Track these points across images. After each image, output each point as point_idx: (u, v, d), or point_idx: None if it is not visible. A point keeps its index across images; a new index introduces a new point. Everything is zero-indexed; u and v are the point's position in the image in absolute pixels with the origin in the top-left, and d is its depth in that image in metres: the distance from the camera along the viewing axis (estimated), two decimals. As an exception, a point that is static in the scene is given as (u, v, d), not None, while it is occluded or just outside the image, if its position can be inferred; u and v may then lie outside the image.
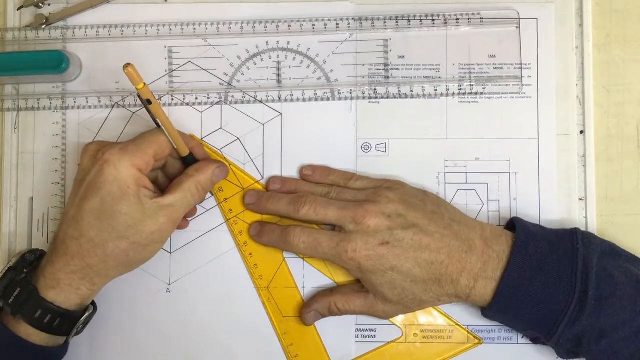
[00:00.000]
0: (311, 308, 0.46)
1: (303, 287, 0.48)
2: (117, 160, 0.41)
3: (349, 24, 0.49)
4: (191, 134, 0.48)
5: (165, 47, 0.49)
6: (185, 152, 0.44)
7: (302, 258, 0.48)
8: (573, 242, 0.43)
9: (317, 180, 0.47)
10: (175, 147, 0.43)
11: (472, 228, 0.44)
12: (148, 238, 0.41)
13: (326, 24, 0.49)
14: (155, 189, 0.43)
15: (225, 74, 0.49)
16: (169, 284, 0.48)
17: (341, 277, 0.48)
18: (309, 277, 0.48)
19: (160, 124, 0.42)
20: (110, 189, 0.40)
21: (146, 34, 0.49)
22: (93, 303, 0.45)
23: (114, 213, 0.40)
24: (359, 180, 0.47)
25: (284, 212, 0.46)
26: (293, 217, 0.45)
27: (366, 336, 0.48)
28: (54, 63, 0.47)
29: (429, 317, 0.48)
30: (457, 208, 0.46)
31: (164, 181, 0.46)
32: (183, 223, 0.47)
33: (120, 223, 0.40)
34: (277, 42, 0.49)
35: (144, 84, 0.40)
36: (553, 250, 0.42)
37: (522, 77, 0.49)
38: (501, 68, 0.49)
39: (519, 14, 0.49)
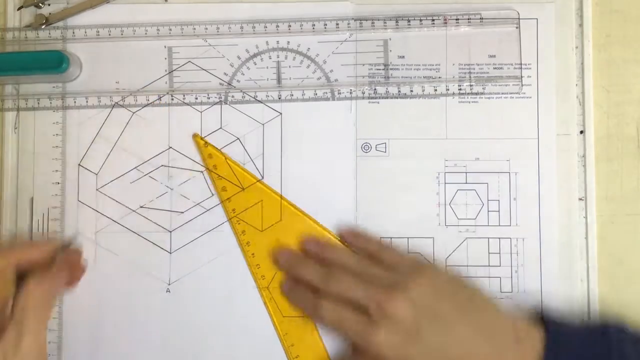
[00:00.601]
0: None
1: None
2: None
3: (349, 24, 0.49)
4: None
5: (165, 47, 0.49)
6: None
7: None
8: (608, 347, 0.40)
9: (352, 244, 0.47)
10: None
11: (504, 329, 0.41)
12: None
13: (326, 24, 0.49)
14: None
15: (225, 74, 0.49)
16: (169, 284, 0.48)
17: None
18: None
19: None
20: None
21: (146, 34, 0.49)
22: None
23: None
24: (390, 252, 0.46)
25: (314, 283, 0.45)
26: (323, 290, 0.44)
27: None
28: (54, 63, 0.47)
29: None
30: (488, 297, 0.44)
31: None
32: (71, 284, 0.45)
33: None
34: (277, 42, 0.49)
35: None
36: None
37: (522, 77, 0.49)
38: (501, 68, 0.49)
39: (519, 14, 0.49)
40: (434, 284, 0.42)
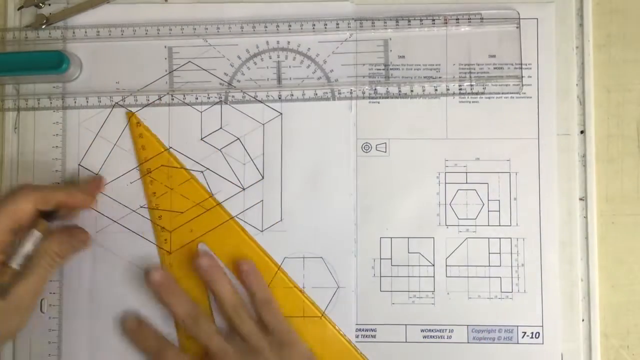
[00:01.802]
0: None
1: (303, 287, 0.48)
2: None
3: (349, 23, 0.49)
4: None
5: (165, 47, 0.49)
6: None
7: (303, 258, 0.48)
8: None
9: (244, 281, 0.46)
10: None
11: None
12: None
13: (326, 24, 0.49)
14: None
15: (225, 74, 0.49)
16: (169, 284, 0.48)
17: None
18: (309, 277, 0.48)
19: None
20: None
21: (146, 34, 0.49)
22: None
23: None
24: (270, 314, 0.46)
25: (177, 316, 0.45)
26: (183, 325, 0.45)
27: (366, 336, 0.48)
28: (54, 63, 0.47)
29: (429, 317, 0.48)
30: None
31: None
32: (82, 244, 0.47)
33: None
34: (277, 42, 0.49)
35: None
36: None
37: (522, 77, 0.49)
38: (501, 68, 0.49)
39: (519, 13, 0.49)
40: None
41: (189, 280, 0.47)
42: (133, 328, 0.46)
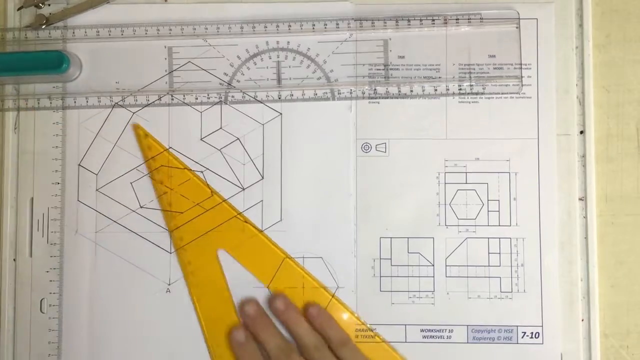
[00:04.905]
0: None
1: (303, 287, 0.48)
2: None
3: (349, 24, 0.49)
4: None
5: (165, 47, 0.49)
6: None
7: (303, 258, 0.48)
8: None
9: (316, 327, 0.46)
10: None
11: None
12: None
13: (326, 24, 0.49)
14: None
15: (225, 74, 0.49)
16: (169, 284, 0.48)
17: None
18: (308, 276, 0.48)
19: None
20: None
21: (146, 34, 0.49)
22: None
23: None
24: (349, 353, 0.46)
25: (268, 350, 0.45)
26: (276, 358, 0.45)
27: (366, 336, 0.48)
28: (54, 63, 0.47)
29: (429, 317, 0.48)
30: None
31: None
32: None
33: None
34: (277, 42, 0.49)
35: None
36: None
37: (522, 77, 0.49)
38: (501, 68, 0.49)
39: (519, 14, 0.49)
40: None
41: (206, 282, 0.48)
42: (240, 341, 0.46)
